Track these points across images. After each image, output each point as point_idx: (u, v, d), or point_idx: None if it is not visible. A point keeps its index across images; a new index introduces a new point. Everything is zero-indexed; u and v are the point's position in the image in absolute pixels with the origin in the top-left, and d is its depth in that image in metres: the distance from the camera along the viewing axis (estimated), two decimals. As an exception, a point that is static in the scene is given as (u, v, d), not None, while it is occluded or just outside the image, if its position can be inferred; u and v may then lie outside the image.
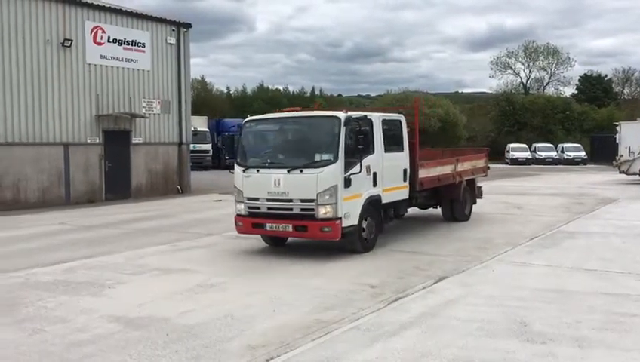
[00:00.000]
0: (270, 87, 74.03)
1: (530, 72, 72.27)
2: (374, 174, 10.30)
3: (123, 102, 21.03)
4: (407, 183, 11.39)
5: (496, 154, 50.16)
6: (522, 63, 71.81)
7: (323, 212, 9.47)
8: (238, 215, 10.35)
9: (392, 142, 11.06)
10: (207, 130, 38.90)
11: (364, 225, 10.08)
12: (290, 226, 9.73)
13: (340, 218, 9.53)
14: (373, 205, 10.31)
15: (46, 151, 18.80)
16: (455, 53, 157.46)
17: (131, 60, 21.12)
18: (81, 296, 7.69)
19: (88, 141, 20.03)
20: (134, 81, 21.39)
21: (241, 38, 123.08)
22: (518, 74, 72.69)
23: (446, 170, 12.93)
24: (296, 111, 11.49)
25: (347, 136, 9.60)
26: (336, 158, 9.52)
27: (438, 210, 14.26)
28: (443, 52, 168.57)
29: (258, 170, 10.05)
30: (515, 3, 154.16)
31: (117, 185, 20.79)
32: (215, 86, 70.37)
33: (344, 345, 5.75)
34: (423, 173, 11.81)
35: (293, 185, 9.65)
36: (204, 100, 57.58)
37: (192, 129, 25.87)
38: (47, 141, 18.87)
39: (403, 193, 11.36)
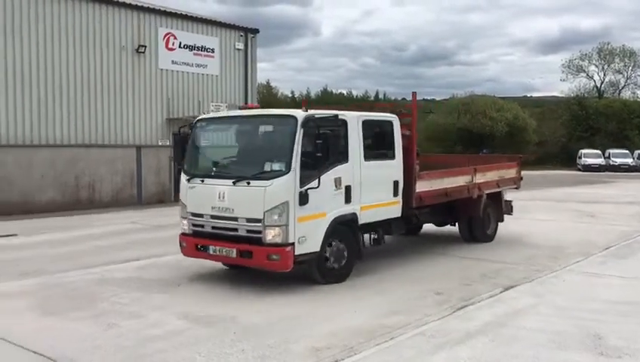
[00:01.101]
0: (334, 91, 74.30)
1: (604, 75, 69.30)
2: (347, 188, 8.29)
3: (192, 106, 21.68)
4: (399, 198, 9.29)
5: (568, 160, 48.50)
6: (596, 66, 68.90)
7: (271, 235, 7.57)
8: (182, 233, 8.65)
9: (379, 148, 9.19)
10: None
11: (327, 252, 8.17)
12: (235, 251, 7.87)
13: (292, 243, 7.59)
14: (346, 226, 8.42)
15: (120, 153, 19.59)
16: (524, 55, 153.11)
17: (201, 65, 21.76)
18: (153, 293, 7.97)
19: (159, 143, 20.75)
20: (203, 86, 22.01)
21: (307, 43, 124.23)
22: (591, 77, 69.82)
23: (458, 181, 10.77)
24: (255, 109, 9.55)
25: (306, 140, 7.70)
26: (288, 168, 7.59)
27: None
28: (511, 55, 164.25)
29: (203, 180, 8.31)
30: (590, 4, 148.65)
31: (185, 187, 21.35)
32: (280, 90, 71.36)
33: (409, 352, 5.71)
34: (422, 186, 9.76)
35: (239, 201, 7.85)
36: (269, 104, 58.23)
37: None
38: (120, 143, 19.70)
39: (393, 210, 9.24)
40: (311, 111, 7.99)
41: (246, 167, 8.21)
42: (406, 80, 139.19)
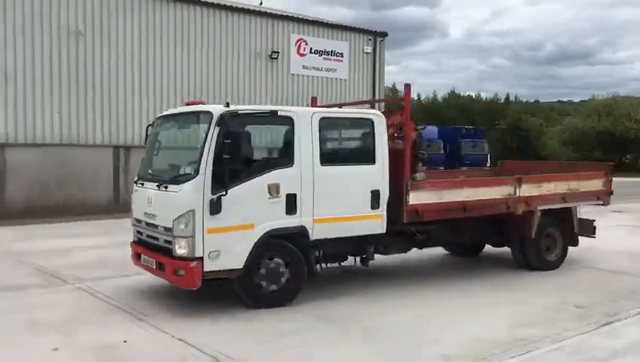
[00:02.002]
0: (462, 93, 72.55)
1: None
2: (290, 197, 7.15)
3: (321, 109, 22.14)
4: (381, 211, 7.84)
5: None
6: None
7: (177, 247, 6.74)
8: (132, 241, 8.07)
9: (349, 151, 8.32)
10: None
11: (263, 270, 7.09)
12: (154, 262, 7.20)
13: (201, 258, 6.68)
14: (289, 242, 7.27)
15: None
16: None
17: (330, 70, 22.20)
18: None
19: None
20: (332, 90, 22.43)
21: (434, 45, 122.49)
22: None
23: (488, 193, 8.83)
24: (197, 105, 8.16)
25: (225, 140, 6.64)
26: (196, 172, 6.69)
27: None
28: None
29: (143, 183, 7.68)
30: None
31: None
32: (406, 93, 70.73)
33: (547, 366, 5.43)
34: (421, 198, 8.13)
35: (159, 206, 7.17)
36: (394, 107, 58.15)
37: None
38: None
39: (372, 226, 7.81)
40: (234, 107, 7.05)
41: (168, 169, 7.53)
42: (540, 81, 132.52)
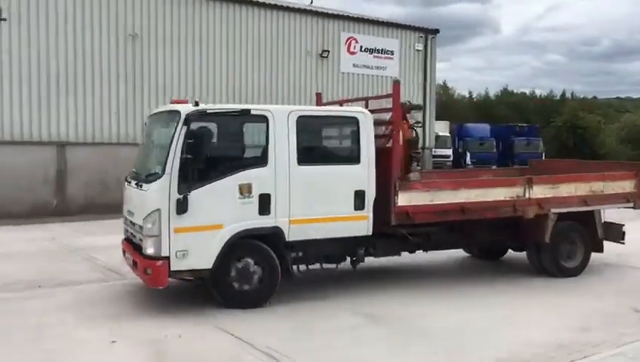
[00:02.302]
0: (515, 90, 70.89)
1: None
2: (263, 197, 7.04)
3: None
4: (366, 212, 7.60)
5: None
6: None
7: (146, 246, 6.79)
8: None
9: (331, 150, 8.13)
10: (449, 134, 38.81)
11: (235, 270, 7.01)
12: (132, 260, 7.32)
13: (167, 257, 6.69)
14: (262, 242, 7.15)
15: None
16: None
17: (380, 68, 22.09)
18: (325, 288, 8.24)
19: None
20: (382, 88, 22.26)
21: (485, 41, 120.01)
22: None
23: (492, 194, 8.35)
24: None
25: (194, 139, 6.68)
26: (163, 171, 6.71)
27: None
28: None
29: (130, 181, 7.71)
30: None
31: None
32: (457, 91, 69.84)
33: (606, 372, 5.27)
34: (412, 199, 7.79)
35: (136, 205, 7.29)
36: (446, 105, 57.43)
37: (435, 134, 26.08)
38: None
39: (356, 227, 7.59)
40: (204, 106, 7.02)
41: (145, 168, 7.56)
42: (597, 77, 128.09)
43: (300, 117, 7.31)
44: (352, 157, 7.61)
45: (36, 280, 8.50)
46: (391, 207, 7.67)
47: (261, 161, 7.11)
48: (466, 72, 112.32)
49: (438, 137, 31.97)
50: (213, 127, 7.10)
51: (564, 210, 8.76)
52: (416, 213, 7.81)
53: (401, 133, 7.97)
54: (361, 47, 21.57)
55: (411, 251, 8.64)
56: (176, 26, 18.00)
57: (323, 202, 7.39)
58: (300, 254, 7.49)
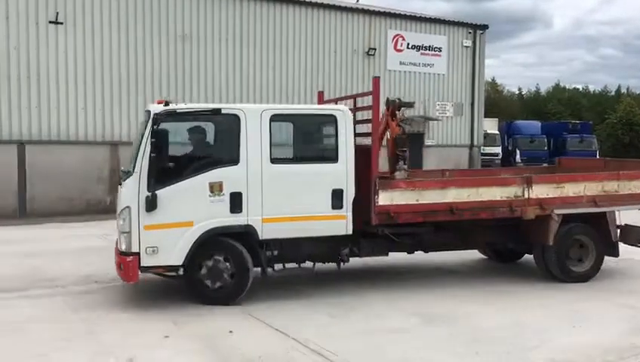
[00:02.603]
0: (567, 86, 68.96)
1: None
2: (234, 195, 7.08)
3: (418, 105, 21.86)
4: (345, 212, 7.47)
5: None
6: None
7: (119, 242, 7.12)
8: None
9: (307, 149, 8.02)
10: (497, 132, 38.09)
11: (206, 267, 7.10)
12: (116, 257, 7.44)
13: (137, 253, 6.85)
14: (235, 239, 7.20)
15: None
16: None
17: (427, 65, 21.84)
18: (377, 287, 8.21)
19: (384, 144, 21.28)
20: (429, 85, 22.08)
21: (536, 36, 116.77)
22: None
23: (486, 194, 7.94)
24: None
25: (164, 138, 6.82)
26: (134, 170, 6.91)
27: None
28: None
29: (119, 180, 7.86)
30: None
31: (409, 185, 21.76)
32: (506, 87, 68.46)
33: (669, 378, 5.06)
34: (391, 198, 7.58)
35: (117, 202, 7.55)
36: (494, 102, 56.40)
37: (483, 131, 25.64)
38: (350, 142, 20.68)
39: (334, 227, 7.47)
40: (174, 106, 7.12)
41: (128, 167, 7.44)
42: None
43: (273, 115, 7.34)
44: (330, 155, 7.53)
45: (92, 275, 8.76)
46: (371, 206, 7.51)
47: (233, 159, 7.15)
48: (515, 67, 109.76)
49: (486, 135, 31.42)
50: (183, 126, 7.30)
51: (570, 211, 8.27)
52: (399, 212, 7.63)
53: (388, 131, 7.97)
54: (408, 44, 21.37)
55: (409, 252, 8.45)
56: (225, 26, 18.26)
57: (298, 201, 7.34)
58: (276, 253, 7.48)
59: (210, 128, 7.46)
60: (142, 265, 6.92)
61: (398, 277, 8.79)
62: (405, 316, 6.87)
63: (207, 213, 7.03)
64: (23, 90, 15.48)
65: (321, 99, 9.61)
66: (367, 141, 7.80)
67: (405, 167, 8.28)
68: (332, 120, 7.51)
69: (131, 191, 6.89)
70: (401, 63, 21.30)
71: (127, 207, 6.89)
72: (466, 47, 22.63)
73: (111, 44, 16.54)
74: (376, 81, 7.82)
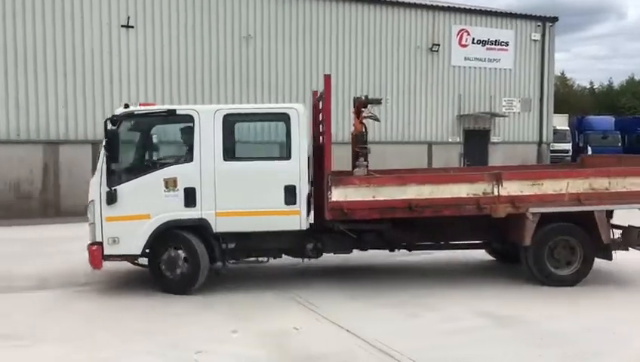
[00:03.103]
0: (643, 79, 65.58)
1: None
2: (188, 190, 7.52)
3: (483, 101, 21.41)
4: (298, 207, 7.63)
5: None
6: None
7: (89, 232, 7.71)
8: None
9: (260, 147, 8.42)
10: (567, 128, 36.77)
11: (163, 257, 7.57)
12: None
13: (100, 243, 7.53)
14: (190, 232, 7.62)
15: (412, 150, 20.42)
16: None
17: (493, 60, 21.33)
18: (453, 287, 8.07)
19: (449, 140, 21.03)
20: (495, 80, 21.56)
21: (609, 28, 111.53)
22: None
23: (448, 191, 7.69)
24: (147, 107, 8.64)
25: (123, 137, 7.54)
26: (98, 167, 7.62)
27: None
28: None
29: None
30: None
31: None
32: (576, 82, 65.88)
33: None
34: (345, 195, 7.60)
35: None
36: (564, 97, 54.43)
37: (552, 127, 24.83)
38: (412, 140, 20.51)
39: (287, 222, 7.65)
40: (133, 108, 7.76)
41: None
42: None
43: (226, 115, 7.67)
44: (283, 152, 7.75)
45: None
46: (325, 202, 7.58)
47: (187, 157, 7.65)
48: (586, 61, 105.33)
49: (556, 131, 30.39)
50: (141, 127, 7.95)
51: (548, 210, 7.76)
52: (353, 209, 7.60)
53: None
54: (474, 39, 20.93)
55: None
56: (288, 25, 18.45)
57: (251, 196, 7.61)
58: (232, 246, 7.80)
59: (166, 128, 8.07)
60: (105, 253, 7.59)
61: (461, 275, 8.64)
62: (473, 316, 6.74)
63: (163, 207, 7.56)
64: (96, 91, 16.18)
65: (315, 98, 9.61)
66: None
67: (365, 163, 8.33)
68: (285, 118, 7.76)
69: (95, 187, 7.59)
70: (465, 59, 20.90)
71: (92, 200, 7.62)
72: (535, 40, 21.94)
73: (179, 46, 17.05)
74: (327, 79, 7.91)
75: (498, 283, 8.31)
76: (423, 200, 7.66)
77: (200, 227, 7.64)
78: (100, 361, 5.48)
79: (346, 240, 8.04)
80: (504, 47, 21.41)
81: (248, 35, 17.86)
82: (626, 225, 8.26)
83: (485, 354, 5.61)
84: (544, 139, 22.59)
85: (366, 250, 8.49)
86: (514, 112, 21.89)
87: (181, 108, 7.98)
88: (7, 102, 15.29)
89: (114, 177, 7.55)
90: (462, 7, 21.09)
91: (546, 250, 7.85)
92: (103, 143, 7.52)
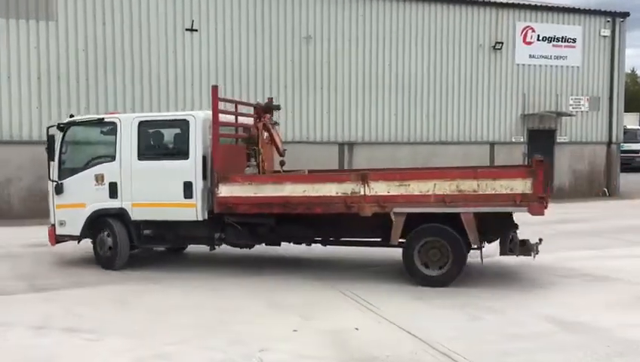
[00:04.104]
0: None
1: None
2: (112, 184, 9.13)
3: (549, 100, 20.76)
4: (195, 201, 8.73)
5: None
6: None
7: None
8: None
9: (163, 148, 9.39)
10: (638, 127, 35.21)
11: (97, 240, 9.33)
12: None
13: (53, 225, 9.55)
14: (115, 219, 9.13)
15: (474, 150, 20.01)
16: None
17: (560, 57, 20.63)
18: (513, 290, 7.85)
19: (513, 140, 20.49)
20: (562, 78, 20.85)
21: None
22: None
23: (320, 190, 8.21)
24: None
25: (67, 141, 9.50)
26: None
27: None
28: None
29: None
30: None
31: (539, 185, 20.75)
32: (648, 79, 62.87)
33: None
34: (231, 191, 8.51)
35: None
36: (634, 95, 52.11)
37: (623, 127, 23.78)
38: (475, 140, 20.11)
39: (185, 213, 8.82)
40: (75, 118, 9.85)
41: None
42: None
43: (140, 122, 9.15)
44: (182, 153, 8.88)
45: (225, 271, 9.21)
46: (214, 197, 8.58)
47: (112, 157, 9.21)
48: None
49: (626, 131, 29.12)
50: (80, 132, 9.72)
51: (412, 210, 7.95)
52: (237, 203, 8.56)
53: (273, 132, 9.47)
54: (539, 36, 20.30)
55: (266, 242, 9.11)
56: (347, 25, 18.44)
57: (157, 190, 8.96)
58: (149, 232, 9.15)
59: (98, 133, 9.61)
60: (57, 233, 9.52)
61: (524, 277, 8.39)
62: (538, 321, 6.53)
63: (94, 197, 9.24)
64: (162, 93, 16.68)
65: (215, 97, 9.57)
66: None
67: (254, 163, 9.34)
68: (185, 124, 8.93)
69: (50, 180, 9.48)
70: (530, 56, 20.31)
71: (48, 191, 9.59)
72: (604, 36, 21.07)
73: (240, 47, 17.36)
74: (214, 90, 8.81)
75: (564, 285, 8.05)
76: (296, 198, 8.34)
77: (121, 215, 9.15)
78: (163, 356, 5.61)
79: (242, 232, 8.89)
80: (571, 43, 20.67)
81: (308, 36, 17.97)
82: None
83: (552, 361, 5.42)
84: (614, 139, 21.66)
85: (260, 243, 9.27)
86: (581, 111, 21.11)
87: (108, 117, 9.66)
88: (88, 105, 15.97)
89: (61, 173, 9.43)
90: (526, 3, 20.49)
91: (416, 250, 8.01)
92: (56, 145, 9.35)
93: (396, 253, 8.43)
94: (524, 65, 20.31)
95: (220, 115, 8.79)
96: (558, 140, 20.92)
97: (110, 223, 9.15)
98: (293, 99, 17.95)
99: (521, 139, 20.51)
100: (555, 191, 20.87)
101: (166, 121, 9.63)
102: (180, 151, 9.00)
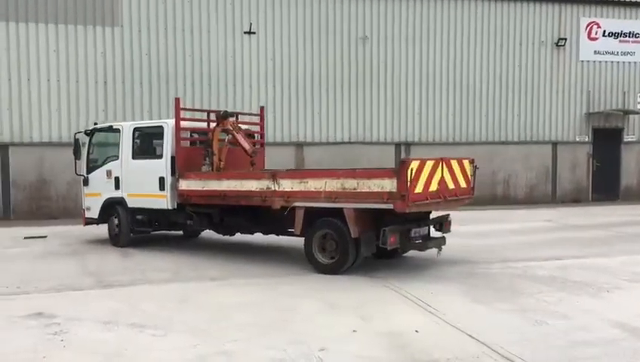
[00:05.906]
0: None
1: None
2: (116, 178, 11.35)
3: (615, 98, 19.99)
4: (165, 192, 10.70)
5: None
6: None
7: None
8: None
9: (147, 149, 11.39)
10: None
11: (109, 223, 11.59)
12: None
13: (84, 210, 12.00)
14: (119, 206, 11.31)
15: (535, 150, 19.51)
16: None
17: (627, 53, 19.87)
18: (578, 295, 7.62)
19: (577, 139, 19.85)
20: (629, 75, 20.07)
21: None
22: None
23: (246, 185, 9.69)
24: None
25: (91, 144, 12.01)
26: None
27: None
28: None
29: None
30: None
31: (605, 185, 19.99)
32: None
33: None
34: (188, 185, 10.45)
35: None
36: None
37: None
38: (536, 140, 19.57)
39: (159, 202, 10.81)
40: (98, 125, 12.26)
41: None
42: None
43: (134, 128, 11.35)
44: (159, 154, 10.90)
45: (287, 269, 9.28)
46: (176, 189, 10.55)
47: (117, 156, 11.42)
48: None
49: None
50: (101, 136, 12.02)
51: (307, 204, 9.04)
52: (190, 195, 10.44)
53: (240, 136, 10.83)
54: (604, 31, 19.60)
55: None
56: (404, 25, 18.32)
57: (143, 183, 10.98)
58: (140, 218, 11.18)
59: (111, 137, 11.75)
60: (85, 217, 11.96)
61: (589, 281, 8.10)
62: (606, 326, 6.29)
63: (106, 189, 11.51)
64: (221, 94, 17.01)
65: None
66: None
67: (207, 162, 10.66)
68: (161, 129, 10.85)
69: (77, 174, 12.07)
70: (595, 53, 19.64)
71: (80, 182, 12.13)
72: (675, 30, 20.14)
73: (297, 49, 17.54)
74: (177, 100, 10.74)
75: (632, 290, 7.72)
76: (230, 191, 9.90)
77: (122, 203, 11.27)
78: (225, 353, 5.70)
79: (202, 221, 10.57)
80: (639, 39, 19.84)
81: (365, 36, 17.93)
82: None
83: (622, 368, 5.22)
84: (677, 139, 20.69)
85: (217, 231, 10.89)
86: (650, 109, 20.23)
87: (115, 125, 11.84)
88: (150, 108, 16.49)
89: (88, 168, 11.88)
90: (591, -2, 19.82)
91: (314, 240, 9.03)
92: (87, 146, 11.80)
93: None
94: (588, 61, 19.68)
95: (185, 123, 10.87)
96: (625, 139, 20.15)
97: (117, 209, 11.35)
98: (350, 100, 17.96)
99: (586, 139, 19.85)
100: (622, 192, 20.09)
101: (150, 127, 11.55)
102: (157, 151, 11.04)
